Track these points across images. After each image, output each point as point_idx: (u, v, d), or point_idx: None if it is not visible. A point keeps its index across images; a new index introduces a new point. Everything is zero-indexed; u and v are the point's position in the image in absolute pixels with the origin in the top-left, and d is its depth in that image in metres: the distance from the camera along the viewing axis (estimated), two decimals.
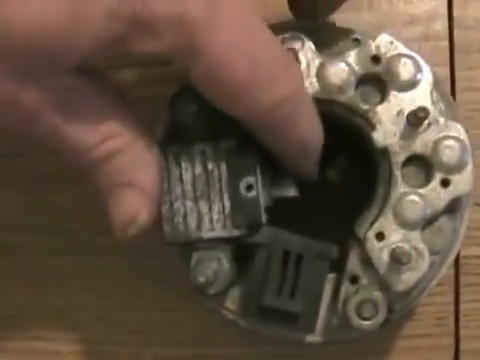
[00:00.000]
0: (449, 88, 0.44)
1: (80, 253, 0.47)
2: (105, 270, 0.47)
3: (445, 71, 0.44)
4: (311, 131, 0.34)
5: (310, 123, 0.34)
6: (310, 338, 0.38)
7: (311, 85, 0.36)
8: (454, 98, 0.43)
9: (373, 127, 0.36)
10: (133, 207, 0.33)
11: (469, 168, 0.36)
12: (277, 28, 0.37)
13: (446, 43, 0.44)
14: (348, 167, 0.42)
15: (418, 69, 0.36)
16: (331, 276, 0.37)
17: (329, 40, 0.37)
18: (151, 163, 0.34)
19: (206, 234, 0.35)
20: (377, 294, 0.36)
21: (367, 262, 0.36)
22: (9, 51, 0.29)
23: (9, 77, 0.30)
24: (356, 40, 0.37)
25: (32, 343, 0.47)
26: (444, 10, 0.45)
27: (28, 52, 0.29)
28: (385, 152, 0.36)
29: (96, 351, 0.47)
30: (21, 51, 0.29)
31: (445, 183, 0.36)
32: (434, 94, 0.37)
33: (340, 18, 0.44)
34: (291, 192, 0.37)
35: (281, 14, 0.44)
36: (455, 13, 0.44)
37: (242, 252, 0.36)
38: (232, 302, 0.38)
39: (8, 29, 0.28)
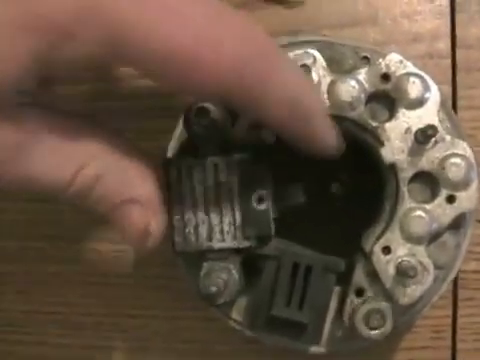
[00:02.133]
0: (450, 106, 0.45)
1: (81, 260, 0.47)
2: (107, 277, 0.47)
3: (447, 89, 0.45)
4: (297, 86, 0.33)
5: (293, 77, 0.33)
6: (314, 349, 0.39)
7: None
8: None
9: (381, 143, 0.37)
10: (141, 221, 0.32)
11: (474, 185, 0.36)
12: (289, 45, 0.38)
13: (448, 61, 0.45)
14: (351, 180, 0.43)
15: (426, 88, 0.37)
16: (336, 289, 0.38)
17: (339, 58, 0.38)
18: (143, 175, 0.33)
19: (216, 244, 0.35)
20: (385, 304, 0.37)
21: (373, 275, 0.37)
22: None
23: None
24: (366, 58, 0.38)
25: (35, 349, 0.47)
26: (447, 29, 0.45)
27: None
28: (393, 168, 0.37)
29: (97, 358, 0.47)
30: None
31: (451, 199, 0.37)
32: (440, 113, 0.38)
33: (345, 34, 0.45)
34: (300, 199, 0.37)
35: (288, 31, 0.45)
36: (458, 32, 0.45)
37: (249, 263, 0.37)
38: (238, 312, 0.39)
39: None
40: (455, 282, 0.45)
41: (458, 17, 0.45)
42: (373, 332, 0.36)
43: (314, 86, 0.35)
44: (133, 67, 0.30)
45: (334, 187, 0.42)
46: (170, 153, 0.38)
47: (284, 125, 0.33)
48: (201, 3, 0.29)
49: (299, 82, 0.33)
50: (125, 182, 0.32)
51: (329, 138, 0.35)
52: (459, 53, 0.45)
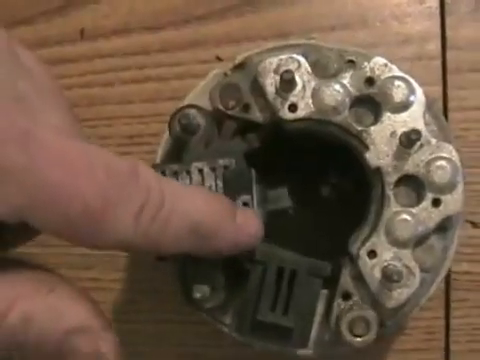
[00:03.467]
0: (441, 107, 0.45)
1: (73, 266, 0.47)
2: (98, 282, 0.47)
3: (437, 90, 0.45)
4: (197, 212, 0.32)
5: (188, 205, 0.32)
6: (302, 352, 0.39)
7: (306, 106, 0.37)
8: (446, 117, 0.44)
9: (366, 147, 0.37)
10: (90, 348, 0.31)
11: (460, 188, 0.36)
12: (274, 50, 0.38)
13: (439, 63, 0.45)
14: (339, 184, 0.43)
15: (411, 91, 0.37)
16: (323, 292, 0.38)
17: (325, 62, 0.38)
18: (75, 304, 0.31)
19: None
20: (370, 312, 0.37)
21: (359, 279, 0.37)
22: None
23: None
24: (351, 62, 0.38)
25: None
26: (437, 30, 0.45)
27: None
28: (378, 172, 0.37)
29: None
30: None
31: (436, 203, 0.37)
32: (426, 116, 0.37)
33: (335, 36, 0.45)
34: (286, 203, 0.37)
35: (278, 34, 0.45)
36: (448, 34, 0.45)
37: (237, 268, 0.37)
38: (226, 316, 0.39)
39: None
40: (447, 283, 0.45)
41: (448, 19, 0.45)
42: (357, 339, 0.36)
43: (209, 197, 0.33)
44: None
45: (322, 190, 0.43)
46: (158, 160, 0.39)
47: (186, 248, 0.32)
48: (99, 159, 0.29)
49: (200, 207, 0.32)
50: (58, 316, 0.30)
51: (244, 239, 0.34)
52: (449, 54, 0.45)
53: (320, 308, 0.38)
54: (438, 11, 0.46)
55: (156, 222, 0.30)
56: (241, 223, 0.33)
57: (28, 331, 0.29)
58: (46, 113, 0.29)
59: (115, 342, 0.32)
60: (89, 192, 0.28)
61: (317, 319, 0.38)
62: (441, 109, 0.44)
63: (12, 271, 0.30)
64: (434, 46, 0.45)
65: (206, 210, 0.32)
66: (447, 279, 0.45)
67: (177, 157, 0.36)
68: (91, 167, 0.28)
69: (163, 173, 0.35)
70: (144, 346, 0.47)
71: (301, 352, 0.39)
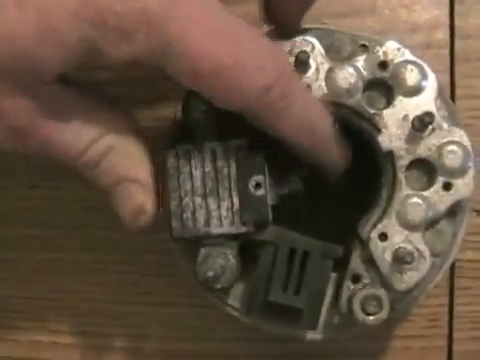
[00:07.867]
0: (449, 95, 0.45)
1: (81, 248, 0.47)
2: (105, 264, 0.47)
3: (445, 78, 0.45)
4: (313, 115, 0.35)
5: (308, 106, 0.35)
6: (311, 336, 0.39)
7: (320, 88, 0.37)
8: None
9: (379, 131, 0.37)
10: (138, 200, 0.34)
11: (471, 173, 0.37)
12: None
13: (447, 51, 0.45)
14: (348, 171, 0.43)
15: (424, 76, 0.37)
16: (333, 275, 0.38)
17: (338, 45, 0.38)
18: (144, 157, 0.35)
19: (214, 230, 0.36)
20: (381, 290, 0.37)
21: (369, 262, 0.37)
22: None
23: None
24: (364, 46, 0.38)
25: (32, 335, 0.47)
26: (446, 19, 0.46)
27: (2, 66, 0.29)
28: (390, 155, 0.37)
29: (95, 344, 0.47)
30: None
31: (447, 187, 0.37)
32: (438, 101, 0.38)
33: (344, 23, 0.45)
34: (298, 186, 0.38)
35: None
36: (456, 22, 0.45)
37: (246, 249, 0.37)
38: (235, 299, 0.39)
39: None
40: (451, 271, 0.45)
41: (457, 7, 0.46)
42: (369, 318, 0.37)
43: (327, 111, 0.36)
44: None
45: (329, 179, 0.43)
46: (168, 139, 0.39)
47: (306, 149, 0.36)
48: (244, 27, 0.32)
49: (314, 107, 0.35)
50: (130, 161, 0.34)
51: (339, 157, 0.38)
52: (457, 43, 0.45)
53: (329, 291, 0.38)
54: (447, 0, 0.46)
55: (280, 105, 0.33)
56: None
57: (102, 162, 0.33)
58: None
59: (156, 207, 0.35)
60: (224, 51, 0.30)
61: (326, 302, 0.38)
62: (449, 96, 0.44)
63: (108, 108, 0.34)
64: (443, 35, 0.45)
65: (320, 117, 0.35)
66: (452, 267, 0.45)
67: (188, 137, 0.36)
68: (233, 32, 0.31)
69: (176, 153, 0.35)
70: (149, 329, 0.47)
71: (310, 336, 0.39)
